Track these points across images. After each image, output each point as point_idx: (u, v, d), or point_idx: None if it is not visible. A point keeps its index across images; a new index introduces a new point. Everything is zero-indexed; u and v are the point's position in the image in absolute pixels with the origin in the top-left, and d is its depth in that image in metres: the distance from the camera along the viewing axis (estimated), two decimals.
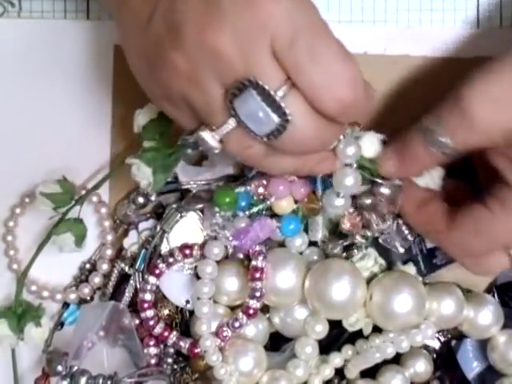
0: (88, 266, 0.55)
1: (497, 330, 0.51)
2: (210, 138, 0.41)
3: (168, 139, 0.49)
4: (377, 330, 0.50)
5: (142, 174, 0.48)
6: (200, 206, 0.52)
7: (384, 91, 0.53)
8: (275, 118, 0.39)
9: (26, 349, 0.55)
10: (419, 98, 0.53)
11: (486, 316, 0.51)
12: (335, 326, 0.50)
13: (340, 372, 0.51)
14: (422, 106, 0.53)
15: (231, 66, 0.38)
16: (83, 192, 0.54)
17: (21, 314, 0.53)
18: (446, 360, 0.53)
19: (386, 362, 0.51)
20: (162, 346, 0.52)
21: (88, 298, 0.55)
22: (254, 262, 0.49)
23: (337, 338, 0.52)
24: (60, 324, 0.55)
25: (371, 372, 0.51)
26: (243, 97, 0.39)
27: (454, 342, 0.53)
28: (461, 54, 0.53)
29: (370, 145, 0.47)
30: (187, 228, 0.52)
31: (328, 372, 0.51)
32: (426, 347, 0.52)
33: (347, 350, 0.51)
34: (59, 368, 0.50)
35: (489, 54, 0.52)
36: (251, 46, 0.38)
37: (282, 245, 0.52)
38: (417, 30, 0.54)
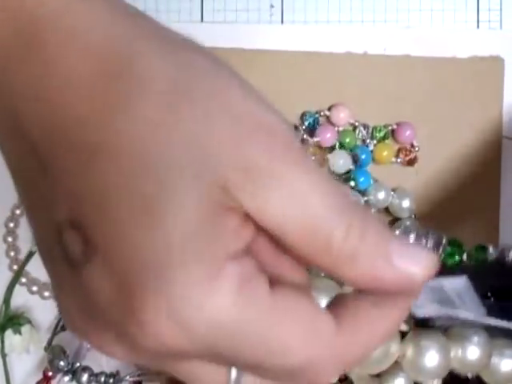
0: None
1: None
2: None
3: None
4: None
5: None
6: None
7: (384, 91, 0.53)
8: None
9: (25, 353, 0.54)
10: (419, 98, 0.53)
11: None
12: None
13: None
14: (421, 106, 0.53)
15: None
16: None
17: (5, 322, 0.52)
18: None
19: None
20: None
21: None
22: None
23: None
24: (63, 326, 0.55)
25: None
26: None
27: None
28: (461, 54, 0.53)
29: None
30: None
31: None
32: None
33: None
34: (61, 364, 0.49)
35: (489, 54, 0.53)
36: None
37: None
38: (417, 30, 0.54)
